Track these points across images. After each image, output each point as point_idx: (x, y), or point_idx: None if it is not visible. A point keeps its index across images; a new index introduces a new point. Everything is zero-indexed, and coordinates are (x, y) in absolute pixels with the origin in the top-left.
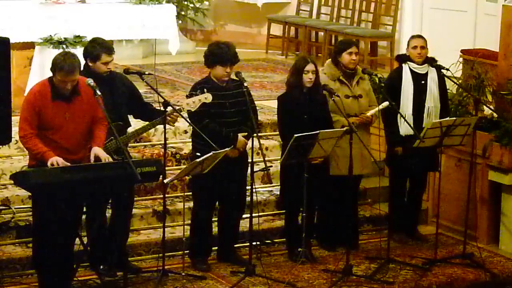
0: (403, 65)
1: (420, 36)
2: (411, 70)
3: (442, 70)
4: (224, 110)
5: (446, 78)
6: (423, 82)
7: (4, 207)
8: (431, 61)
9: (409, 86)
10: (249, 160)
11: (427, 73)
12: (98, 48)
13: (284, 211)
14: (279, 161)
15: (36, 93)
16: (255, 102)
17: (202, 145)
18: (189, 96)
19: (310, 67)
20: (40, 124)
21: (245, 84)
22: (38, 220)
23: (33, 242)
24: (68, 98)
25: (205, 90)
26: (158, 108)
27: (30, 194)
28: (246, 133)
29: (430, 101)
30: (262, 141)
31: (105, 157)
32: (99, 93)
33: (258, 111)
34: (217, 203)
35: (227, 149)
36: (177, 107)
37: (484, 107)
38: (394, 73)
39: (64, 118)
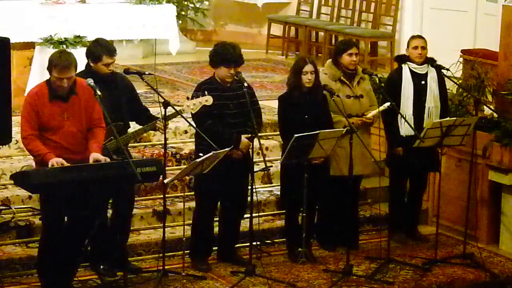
0: (403, 65)
1: (420, 37)
2: (411, 71)
3: (442, 70)
4: (228, 111)
5: (446, 78)
6: (423, 82)
7: (4, 207)
8: (431, 61)
9: (409, 87)
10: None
11: (427, 73)
12: (100, 49)
13: (284, 211)
14: (279, 161)
15: (34, 94)
16: None
17: (205, 146)
18: (192, 97)
19: (308, 68)
20: (39, 125)
21: (245, 85)
22: (44, 222)
23: (39, 243)
24: (66, 98)
25: (206, 92)
26: (155, 115)
27: (30, 194)
28: (249, 135)
29: (431, 101)
30: (262, 141)
31: (104, 159)
32: (99, 93)
33: None
34: (218, 203)
35: (227, 149)
36: (178, 108)
37: (484, 107)
38: (394, 73)
39: (62, 118)
